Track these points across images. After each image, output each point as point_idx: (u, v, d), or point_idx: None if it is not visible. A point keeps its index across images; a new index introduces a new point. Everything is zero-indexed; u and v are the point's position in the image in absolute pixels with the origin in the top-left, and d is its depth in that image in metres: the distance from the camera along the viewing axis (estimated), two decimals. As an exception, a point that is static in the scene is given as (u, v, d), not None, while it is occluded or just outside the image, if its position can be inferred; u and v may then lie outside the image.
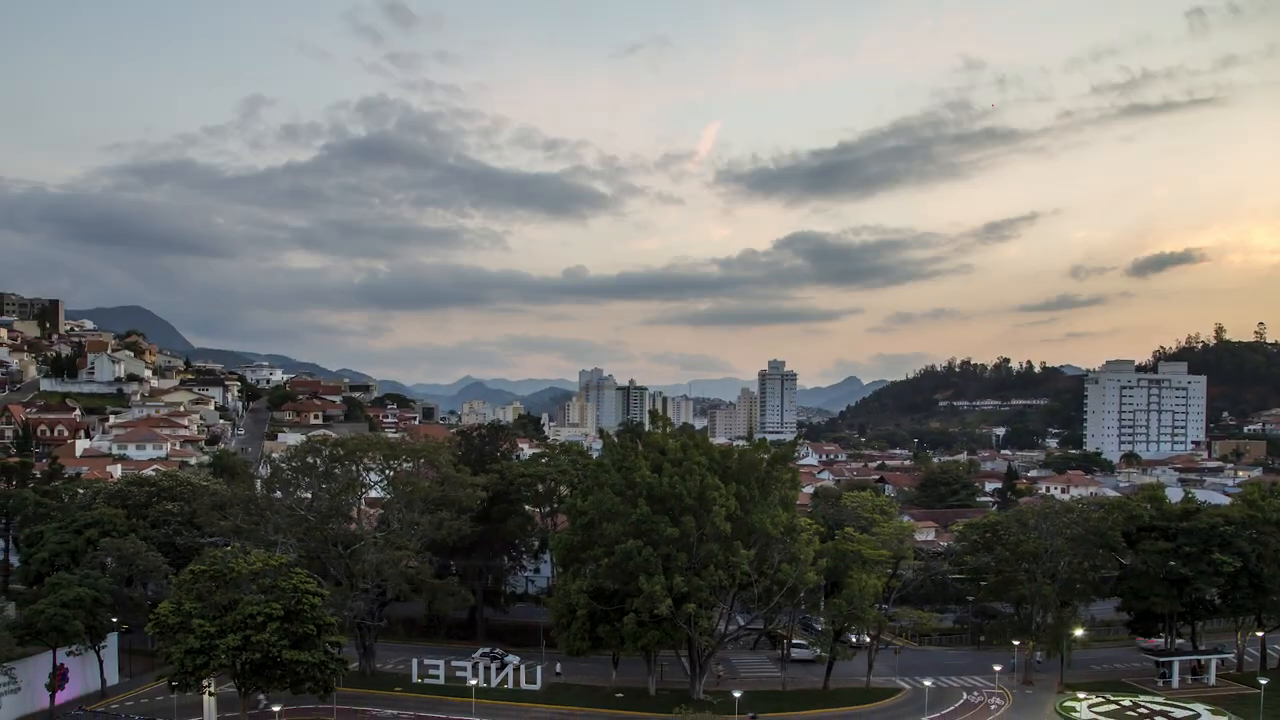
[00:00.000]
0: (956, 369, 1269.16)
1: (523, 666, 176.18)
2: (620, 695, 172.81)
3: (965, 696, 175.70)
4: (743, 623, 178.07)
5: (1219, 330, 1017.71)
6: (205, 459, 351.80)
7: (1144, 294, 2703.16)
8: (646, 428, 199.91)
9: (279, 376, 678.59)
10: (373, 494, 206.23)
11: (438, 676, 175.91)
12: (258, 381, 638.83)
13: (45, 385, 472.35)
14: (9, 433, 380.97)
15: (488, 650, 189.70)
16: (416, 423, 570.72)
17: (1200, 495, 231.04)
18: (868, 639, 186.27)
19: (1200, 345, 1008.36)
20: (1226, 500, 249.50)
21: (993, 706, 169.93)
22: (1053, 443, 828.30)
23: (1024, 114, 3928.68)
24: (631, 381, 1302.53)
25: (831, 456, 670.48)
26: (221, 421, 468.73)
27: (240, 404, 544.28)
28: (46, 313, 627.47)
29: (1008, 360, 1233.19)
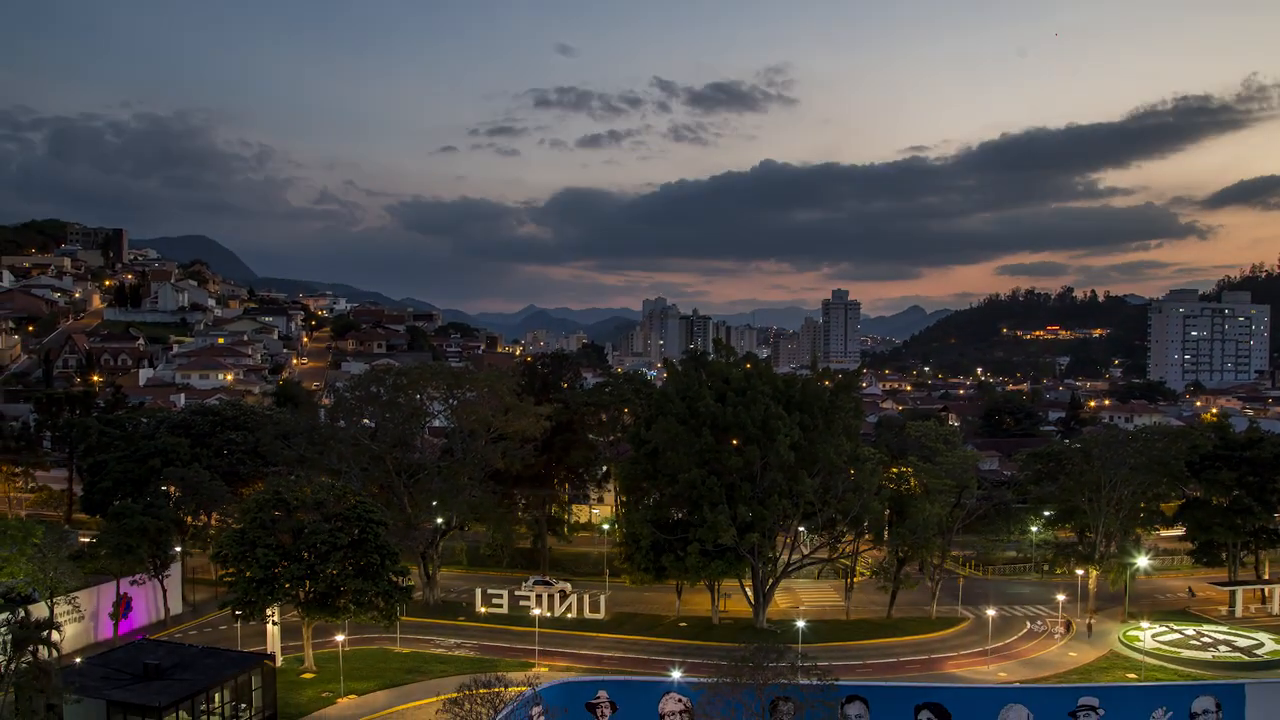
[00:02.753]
0: (1021, 298, 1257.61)
1: (586, 596, 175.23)
2: (684, 624, 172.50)
3: (1029, 625, 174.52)
4: (806, 552, 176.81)
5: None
6: (269, 388, 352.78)
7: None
8: (710, 357, 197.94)
9: (343, 305, 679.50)
10: (436, 423, 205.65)
11: (501, 606, 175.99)
12: (321, 310, 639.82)
13: (109, 314, 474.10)
14: (73, 361, 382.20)
15: (540, 579, 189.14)
16: (480, 351, 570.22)
17: (1264, 425, 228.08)
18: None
19: (1265, 274, 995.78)
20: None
21: (1056, 636, 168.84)
22: (1116, 372, 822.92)
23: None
24: (695, 310, 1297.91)
25: (895, 385, 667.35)
26: (285, 350, 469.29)
27: (304, 333, 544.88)
28: (110, 242, 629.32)
29: (1071, 290, 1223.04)
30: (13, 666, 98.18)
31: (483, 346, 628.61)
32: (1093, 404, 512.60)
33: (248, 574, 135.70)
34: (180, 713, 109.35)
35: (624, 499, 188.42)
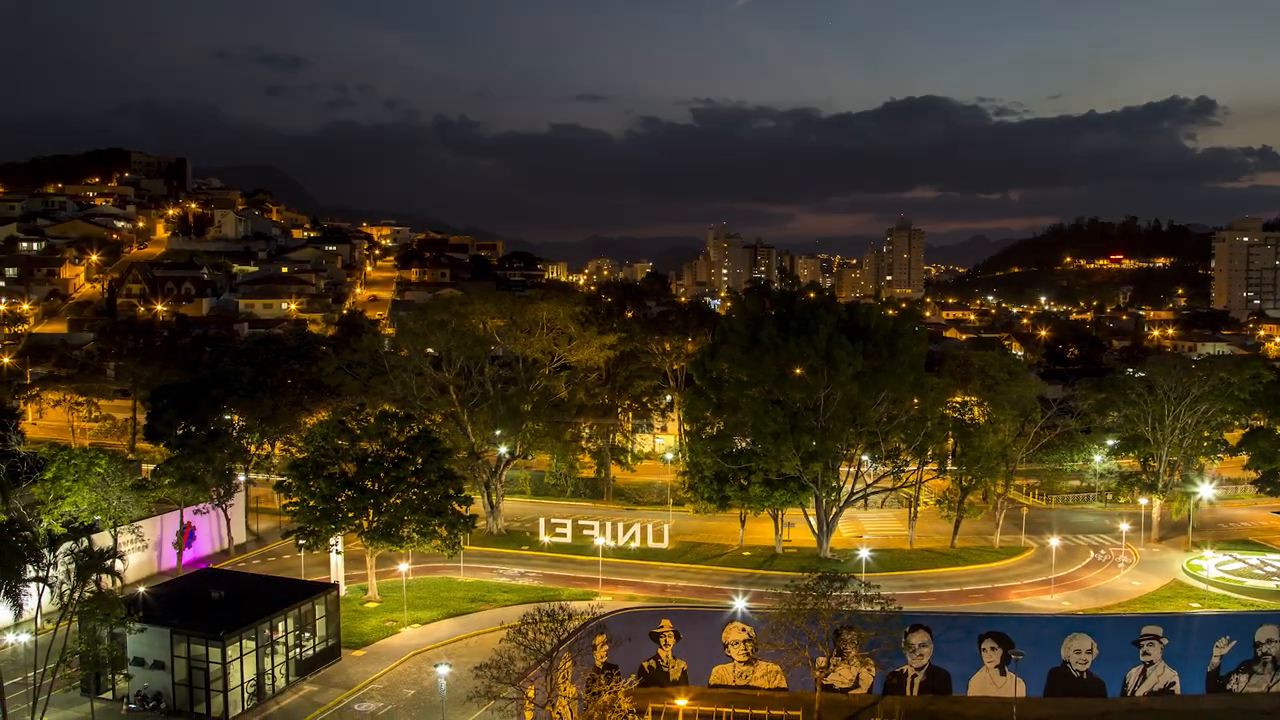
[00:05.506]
0: (1085, 226, 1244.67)
1: (650, 525, 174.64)
2: (747, 554, 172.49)
3: (1092, 555, 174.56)
4: (870, 481, 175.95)
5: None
6: (332, 316, 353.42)
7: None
8: (775, 286, 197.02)
9: (406, 234, 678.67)
10: (499, 353, 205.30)
11: (565, 535, 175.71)
12: (384, 239, 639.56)
13: (172, 243, 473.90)
14: (136, 290, 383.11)
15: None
16: (544, 280, 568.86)
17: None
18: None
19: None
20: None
21: (1120, 564, 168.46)
22: (1180, 301, 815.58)
23: None
24: (759, 240, 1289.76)
25: (958, 314, 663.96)
26: (348, 279, 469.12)
27: (367, 261, 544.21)
28: (174, 171, 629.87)
29: (1135, 218, 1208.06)
30: (76, 595, 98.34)
31: (546, 274, 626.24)
32: (1156, 333, 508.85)
33: (310, 503, 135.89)
34: (244, 641, 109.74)
35: (688, 428, 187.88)
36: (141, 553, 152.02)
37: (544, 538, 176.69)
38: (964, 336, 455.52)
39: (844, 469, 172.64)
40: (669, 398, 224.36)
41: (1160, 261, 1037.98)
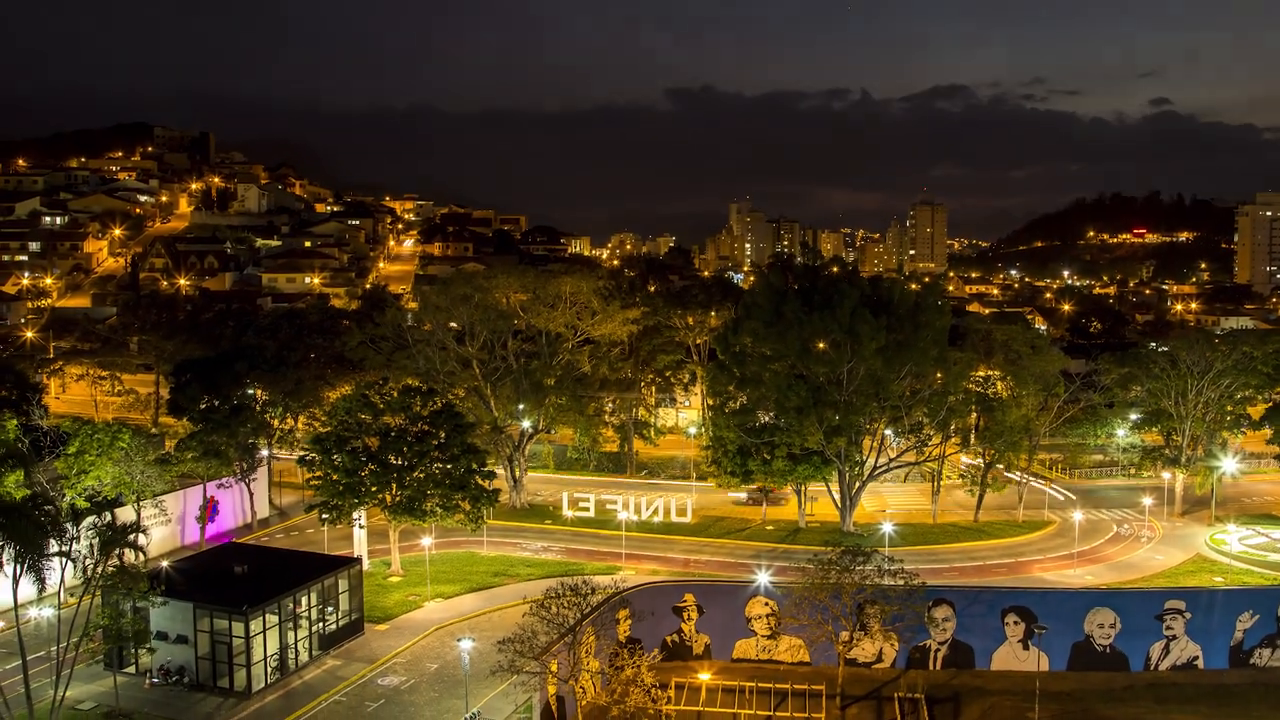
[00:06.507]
0: (1107, 200, 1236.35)
1: (673, 499, 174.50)
2: (770, 528, 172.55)
3: (1115, 529, 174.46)
4: (893, 455, 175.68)
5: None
6: (355, 291, 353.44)
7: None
8: (798, 260, 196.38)
9: (430, 208, 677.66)
10: (522, 327, 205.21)
11: (588, 509, 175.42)
12: (407, 214, 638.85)
13: (196, 217, 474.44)
14: (159, 264, 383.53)
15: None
16: (567, 254, 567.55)
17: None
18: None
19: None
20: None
21: (1143, 539, 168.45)
22: (1203, 274, 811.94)
23: None
24: (782, 214, 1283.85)
25: (981, 289, 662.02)
26: (372, 254, 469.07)
27: (390, 236, 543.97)
28: (197, 145, 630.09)
29: (1158, 192, 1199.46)
30: (99, 570, 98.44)
31: (569, 248, 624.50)
32: (1179, 307, 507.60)
33: (333, 477, 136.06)
34: (267, 615, 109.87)
35: (711, 402, 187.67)
36: (165, 527, 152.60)
37: (567, 512, 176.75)
38: (987, 311, 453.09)
39: (867, 443, 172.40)
40: (692, 372, 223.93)
41: (1183, 235, 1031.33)
